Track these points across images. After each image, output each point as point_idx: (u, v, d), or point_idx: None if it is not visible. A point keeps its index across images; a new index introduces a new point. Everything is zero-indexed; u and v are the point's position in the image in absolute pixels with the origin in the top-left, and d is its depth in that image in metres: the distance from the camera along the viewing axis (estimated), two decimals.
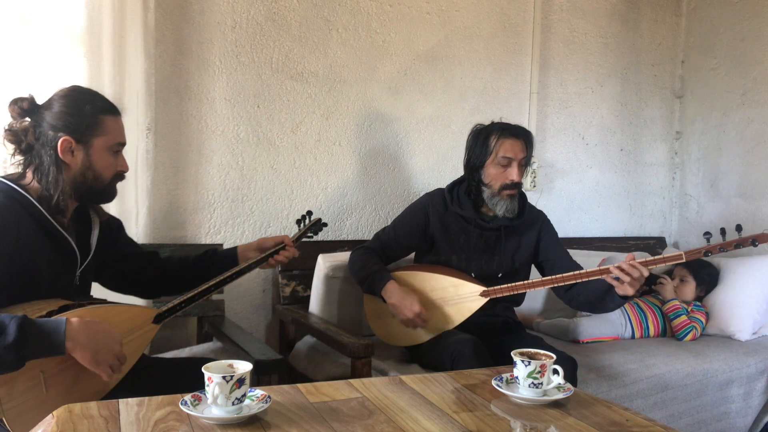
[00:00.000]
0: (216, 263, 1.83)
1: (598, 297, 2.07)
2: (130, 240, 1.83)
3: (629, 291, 1.92)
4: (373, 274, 2.14)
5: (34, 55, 2.14)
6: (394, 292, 2.07)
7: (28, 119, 1.49)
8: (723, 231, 1.90)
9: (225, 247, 2.50)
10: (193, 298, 1.68)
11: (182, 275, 1.82)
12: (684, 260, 1.91)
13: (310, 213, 2.08)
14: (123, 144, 1.59)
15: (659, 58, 3.51)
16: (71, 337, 1.30)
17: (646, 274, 1.90)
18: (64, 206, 1.48)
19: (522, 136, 2.15)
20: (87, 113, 1.49)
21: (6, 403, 1.28)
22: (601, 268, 1.95)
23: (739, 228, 1.87)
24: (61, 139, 1.46)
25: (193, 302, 1.68)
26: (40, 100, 1.52)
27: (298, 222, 2.07)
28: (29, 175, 1.48)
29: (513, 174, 2.11)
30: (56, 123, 1.47)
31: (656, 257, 1.92)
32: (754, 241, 1.85)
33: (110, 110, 1.55)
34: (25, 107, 1.49)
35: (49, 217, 1.46)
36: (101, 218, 1.66)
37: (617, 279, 1.92)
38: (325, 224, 2.12)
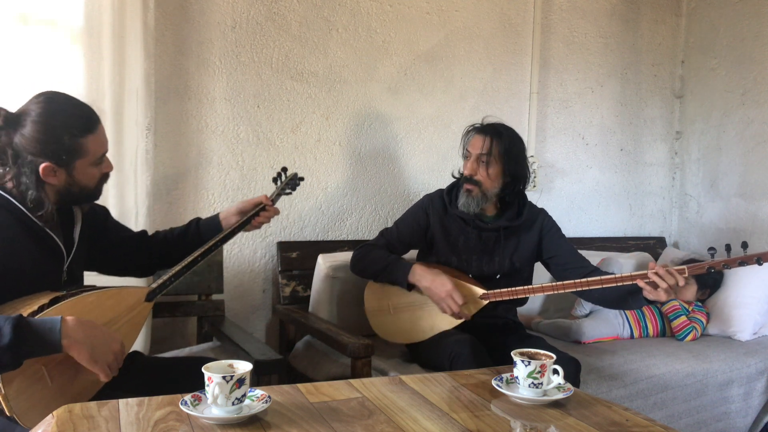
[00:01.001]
0: (201, 232, 1.84)
1: (619, 296, 2.03)
2: (119, 225, 1.82)
3: (662, 297, 1.88)
4: (392, 263, 2.12)
5: (34, 55, 2.14)
6: (424, 275, 2.05)
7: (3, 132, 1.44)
8: (728, 247, 1.86)
9: (224, 247, 2.49)
10: (181, 271, 1.68)
11: (171, 249, 1.82)
12: (686, 274, 1.87)
13: (285, 169, 2.07)
14: (106, 152, 1.56)
15: (659, 58, 3.51)
16: (67, 334, 1.29)
17: (681, 283, 1.86)
18: (49, 215, 1.48)
19: (488, 133, 2.13)
20: (66, 143, 1.44)
21: (13, 400, 1.28)
22: (635, 273, 1.92)
23: (744, 245, 1.85)
24: (42, 166, 1.43)
25: (183, 275, 1.69)
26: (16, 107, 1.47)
27: (275, 180, 2.05)
28: (10, 183, 1.46)
29: (467, 167, 2.12)
30: (33, 149, 1.42)
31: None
32: (759, 259, 1.82)
33: (88, 129, 1.48)
34: None
35: (31, 216, 1.45)
36: (83, 210, 1.65)
37: (650, 284, 1.88)
38: (302, 178, 2.11)
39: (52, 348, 1.29)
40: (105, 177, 1.58)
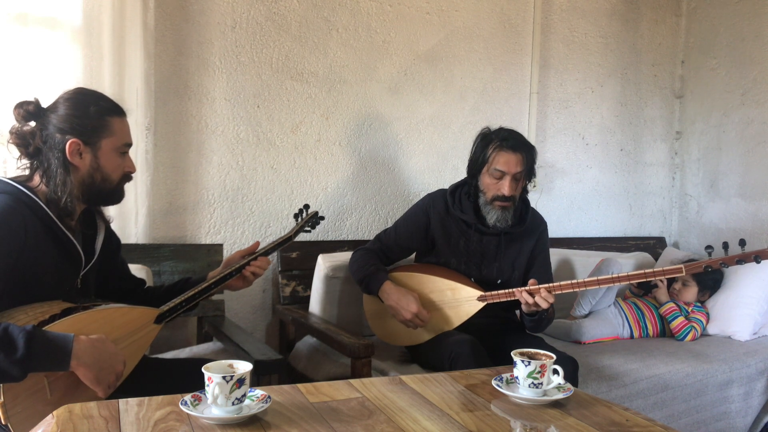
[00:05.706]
0: (186, 289, 1.76)
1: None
2: (125, 262, 1.83)
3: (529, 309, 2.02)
4: (370, 275, 2.13)
5: (34, 55, 2.13)
6: (391, 293, 2.07)
7: (33, 122, 1.48)
8: (726, 245, 1.85)
9: (224, 247, 2.52)
10: (193, 296, 1.68)
11: (155, 303, 1.75)
12: (683, 273, 1.88)
13: (307, 206, 2.08)
14: (130, 145, 1.59)
15: (659, 58, 3.51)
16: (77, 355, 1.30)
17: (544, 306, 1.97)
18: (72, 209, 1.48)
19: (521, 150, 2.08)
20: (92, 115, 1.49)
21: (11, 409, 1.28)
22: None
23: (742, 243, 1.84)
24: (69, 142, 1.46)
25: (194, 301, 1.68)
26: (44, 102, 1.51)
27: (296, 216, 2.06)
28: (36, 178, 1.48)
29: (504, 188, 2.07)
30: (63, 126, 1.46)
31: (656, 270, 1.90)
32: (758, 257, 1.80)
33: (116, 111, 1.55)
34: (30, 110, 1.48)
35: (56, 220, 1.46)
36: (105, 223, 1.67)
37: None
38: (322, 217, 2.12)
39: (60, 367, 1.30)
40: (126, 177, 1.60)
